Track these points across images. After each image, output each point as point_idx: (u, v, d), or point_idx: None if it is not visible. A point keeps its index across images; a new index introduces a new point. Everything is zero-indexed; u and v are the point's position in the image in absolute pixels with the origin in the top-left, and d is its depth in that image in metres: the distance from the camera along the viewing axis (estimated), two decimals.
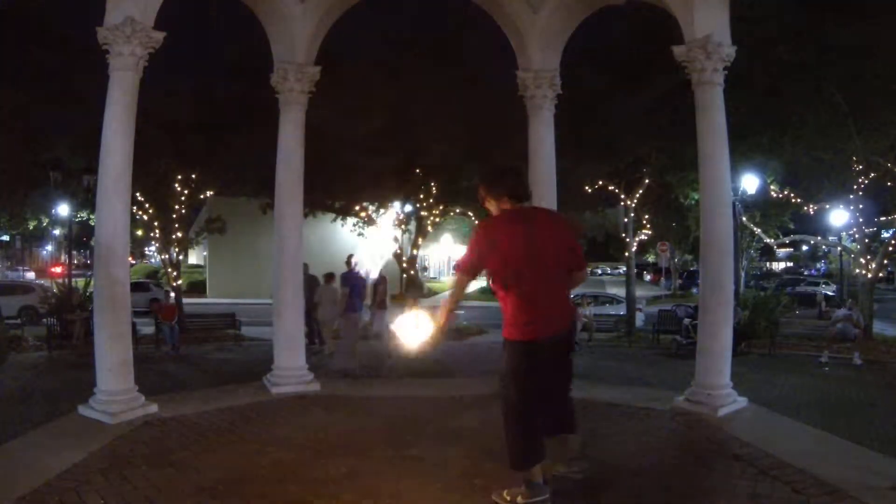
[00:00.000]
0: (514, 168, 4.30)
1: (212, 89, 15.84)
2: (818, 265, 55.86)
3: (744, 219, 18.73)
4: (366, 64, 14.04)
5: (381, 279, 11.08)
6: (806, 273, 51.07)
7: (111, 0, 6.07)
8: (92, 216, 16.20)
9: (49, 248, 50.04)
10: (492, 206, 3.96)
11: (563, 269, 3.85)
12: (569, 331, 3.95)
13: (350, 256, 11.49)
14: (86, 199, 17.36)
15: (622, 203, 18.07)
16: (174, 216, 15.84)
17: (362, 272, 10.80)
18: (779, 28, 11.93)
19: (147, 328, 13.17)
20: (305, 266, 12.25)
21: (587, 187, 16.96)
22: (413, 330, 4.02)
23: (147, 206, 15.19)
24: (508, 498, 3.85)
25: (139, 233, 16.16)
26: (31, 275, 37.26)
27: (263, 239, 22.96)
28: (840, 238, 24.21)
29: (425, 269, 43.79)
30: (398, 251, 17.14)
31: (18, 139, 14.79)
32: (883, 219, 17.96)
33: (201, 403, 6.62)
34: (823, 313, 19.01)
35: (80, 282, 14.75)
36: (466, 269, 3.84)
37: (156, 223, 15.59)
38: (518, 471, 3.84)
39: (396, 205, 17.46)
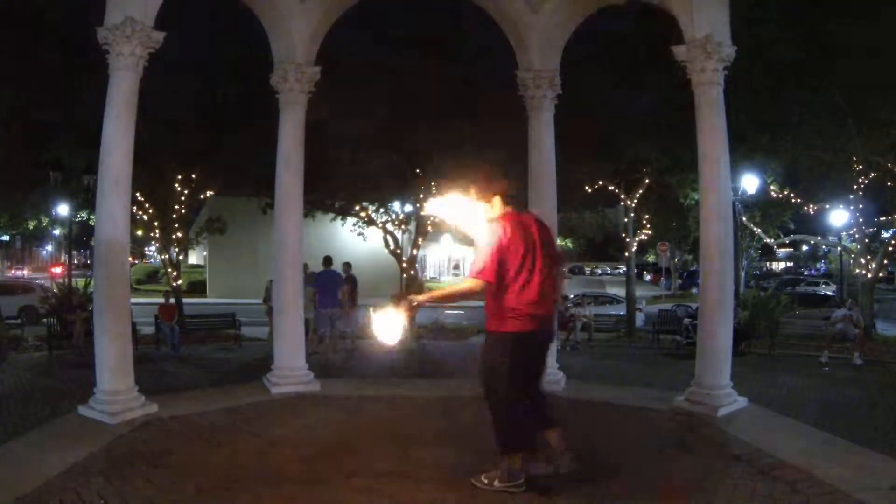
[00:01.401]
0: (503, 170, 4.58)
1: (212, 89, 15.82)
2: (818, 265, 55.83)
3: (744, 219, 18.72)
4: (366, 64, 14.02)
5: (347, 279, 11.57)
6: (806, 273, 51.07)
7: (111, 0, 6.07)
8: (92, 216, 16.19)
9: (49, 248, 50.04)
10: (483, 210, 4.16)
11: (554, 268, 4.18)
12: (553, 324, 4.25)
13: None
14: (86, 199, 17.34)
15: (622, 203, 18.06)
16: (174, 216, 15.82)
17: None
18: (779, 28, 11.92)
19: (147, 328, 13.17)
20: (305, 266, 12.40)
21: (587, 187, 16.95)
22: (386, 326, 4.13)
23: (147, 206, 15.17)
24: (486, 482, 4.07)
25: (139, 233, 16.13)
26: (24, 273, 37.36)
27: (263, 239, 22.96)
28: (840, 238, 24.20)
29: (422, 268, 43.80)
30: (398, 251, 17.13)
31: (18, 139, 14.79)
32: (883, 219, 17.96)
33: (201, 403, 6.62)
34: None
35: (80, 282, 14.75)
36: (490, 275, 3.87)
37: (156, 223, 15.57)
38: (510, 453, 4.01)
39: (396, 204, 17.46)
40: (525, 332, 3.96)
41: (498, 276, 3.89)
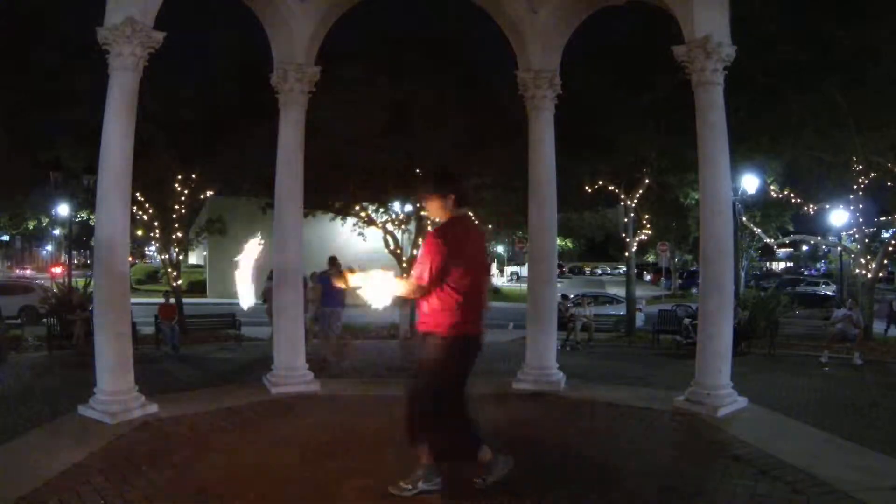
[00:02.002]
0: (457, 172, 4.59)
1: (212, 89, 15.79)
2: (818, 265, 55.82)
3: (744, 219, 18.72)
4: (366, 64, 14.02)
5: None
6: (806, 273, 51.07)
7: (111, 0, 6.07)
8: (92, 216, 16.19)
9: (49, 248, 50.05)
10: (435, 208, 4.09)
11: (485, 275, 4.19)
12: (483, 331, 4.21)
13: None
14: (86, 199, 17.33)
15: (622, 203, 18.04)
16: (174, 216, 15.82)
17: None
18: (779, 28, 11.92)
19: (147, 328, 13.18)
20: None
21: (587, 187, 16.94)
22: (377, 287, 3.96)
23: (147, 206, 15.17)
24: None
25: (139, 233, 16.12)
26: (27, 272, 37.42)
27: (263, 239, 22.95)
28: (840, 238, 24.20)
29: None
30: (398, 251, 17.12)
31: (18, 139, 14.80)
32: (883, 219, 17.94)
33: (201, 403, 6.62)
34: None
35: (80, 282, 14.74)
36: (433, 282, 3.85)
37: (156, 223, 15.58)
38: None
39: (396, 204, 17.44)
40: (465, 336, 3.96)
41: (439, 280, 3.89)
